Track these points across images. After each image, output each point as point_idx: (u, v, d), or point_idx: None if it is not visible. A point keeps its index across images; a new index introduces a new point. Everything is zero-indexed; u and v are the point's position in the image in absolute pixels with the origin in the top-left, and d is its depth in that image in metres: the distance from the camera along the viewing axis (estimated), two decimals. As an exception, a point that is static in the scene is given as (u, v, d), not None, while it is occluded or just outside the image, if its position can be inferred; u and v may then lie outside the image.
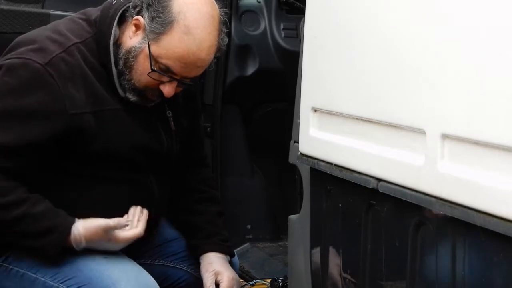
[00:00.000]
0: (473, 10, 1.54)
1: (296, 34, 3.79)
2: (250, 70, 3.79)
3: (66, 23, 2.31)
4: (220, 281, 2.42)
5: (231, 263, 2.53)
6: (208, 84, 3.71)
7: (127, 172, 2.31)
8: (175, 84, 2.24)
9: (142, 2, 2.22)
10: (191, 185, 2.59)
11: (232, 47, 3.73)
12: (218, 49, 2.25)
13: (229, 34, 3.69)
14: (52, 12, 3.17)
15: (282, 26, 3.84)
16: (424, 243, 1.73)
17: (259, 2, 3.86)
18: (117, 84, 2.25)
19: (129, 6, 2.27)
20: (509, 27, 1.45)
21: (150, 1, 2.20)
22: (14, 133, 2.14)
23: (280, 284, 3.08)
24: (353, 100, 1.92)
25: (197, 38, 2.17)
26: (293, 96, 2.26)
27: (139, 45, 2.21)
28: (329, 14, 2.05)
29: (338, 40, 1.99)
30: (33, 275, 2.25)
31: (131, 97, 2.26)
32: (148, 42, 2.19)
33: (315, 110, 2.09)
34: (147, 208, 2.34)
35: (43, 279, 2.24)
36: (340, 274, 2.08)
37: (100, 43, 2.25)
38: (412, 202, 1.71)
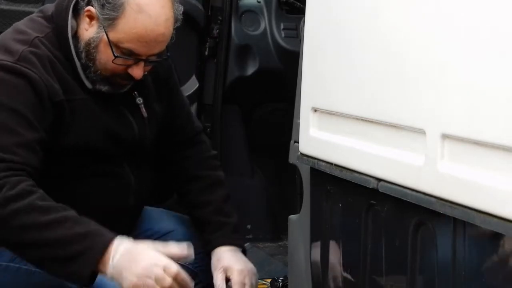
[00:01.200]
0: (473, 10, 1.54)
1: (296, 34, 3.79)
2: (250, 70, 3.79)
3: (26, 23, 2.31)
4: (231, 276, 2.37)
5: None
6: (208, 84, 3.71)
7: (101, 164, 2.30)
8: (142, 64, 2.24)
9: None
10: (190, 173, 2.54)
11: (232, 47, 3.73)
12: (176, 20, 2.24)
13: (229, 34, 3.70)
14: (52, 12, 3.17)
15: (282, 26, 3.85)
16: (424, 243, 1.73)
17: (259, 2, 3.86)
18: (83, 77, 2.25)
19: None
20: (509, 27, 1.45)
21: None
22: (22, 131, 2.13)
23: (280, 284, 3.08)
24: (353, 100, 1.92)
25: (152, 14, 2.17)
26: (293, 96, 2.25)
27: (96, 35, 2.21)
28: (329, 14, 2.05)
29: (338, 40, 1.99)
30: (16, 265, 2.24)
31: (102, 87, 2.26)
32: (105, 30, 2.19)
33: (315, 110, 2.09)
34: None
35: (25, 267, 2.23)
36: (341, 274, 2.08)
37: (59, 36, 2.25)
38: (412, 202, 1.71)
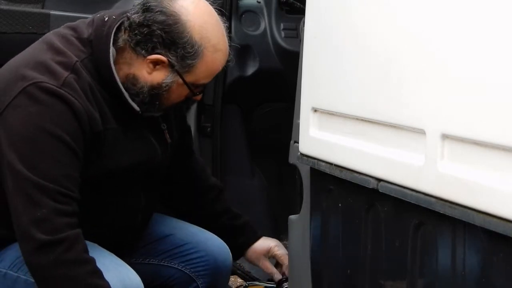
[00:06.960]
0: (473, 10, 1.54)
1: (296, 34, 3.79)
2: (250, 70, 3.78)
3: (61, 41, 2.22)
4: (281, 260, 2.64)
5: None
6: (208, 84, 3.71)
7: (117, 187, 2.30)
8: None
9: (152, 39, 2.15)
10: (199, 185, 2.63)
11: (232, 47, 3.72)
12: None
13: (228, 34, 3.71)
14: (52, 12, 3.17)
15: (282, 26, 3.84)
16: (424, 243, 1.73)
17: (259, 2, 3.86)
18: (132, 104, 2.22)
19: (122, 22, 2.20)
20: (509, 27, 1.45)
21: (166, 39, 2.14)
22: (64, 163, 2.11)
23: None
24: (353, 100, 1.92)
25: (223, 48, 2.22)
26: (293, 96, 2.26)
27: (170, 80, 2.19)
28: (329, 14, 2.05)
29: (338, 40, 1.99)
30: (15, 273, 2.24)
31: (156, 113, 2.29)
32: (181, 75, 2.18)
33: (315, 110, 2.09)
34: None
35: (24, 277, 2.23)
36: (341, 274, 2.08)
37: (99, 64, 2.19)
38: (412, 202, 1.71)
